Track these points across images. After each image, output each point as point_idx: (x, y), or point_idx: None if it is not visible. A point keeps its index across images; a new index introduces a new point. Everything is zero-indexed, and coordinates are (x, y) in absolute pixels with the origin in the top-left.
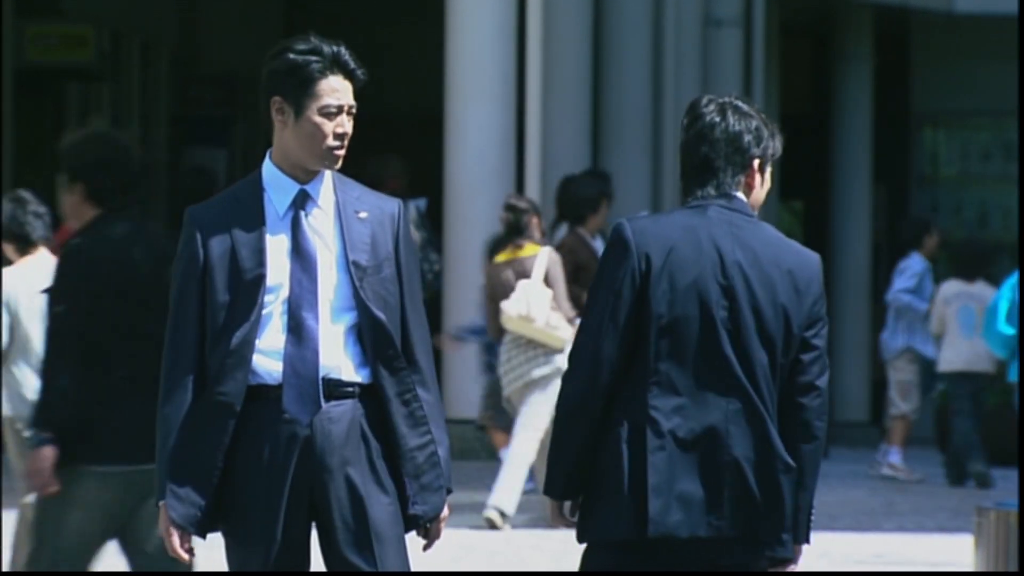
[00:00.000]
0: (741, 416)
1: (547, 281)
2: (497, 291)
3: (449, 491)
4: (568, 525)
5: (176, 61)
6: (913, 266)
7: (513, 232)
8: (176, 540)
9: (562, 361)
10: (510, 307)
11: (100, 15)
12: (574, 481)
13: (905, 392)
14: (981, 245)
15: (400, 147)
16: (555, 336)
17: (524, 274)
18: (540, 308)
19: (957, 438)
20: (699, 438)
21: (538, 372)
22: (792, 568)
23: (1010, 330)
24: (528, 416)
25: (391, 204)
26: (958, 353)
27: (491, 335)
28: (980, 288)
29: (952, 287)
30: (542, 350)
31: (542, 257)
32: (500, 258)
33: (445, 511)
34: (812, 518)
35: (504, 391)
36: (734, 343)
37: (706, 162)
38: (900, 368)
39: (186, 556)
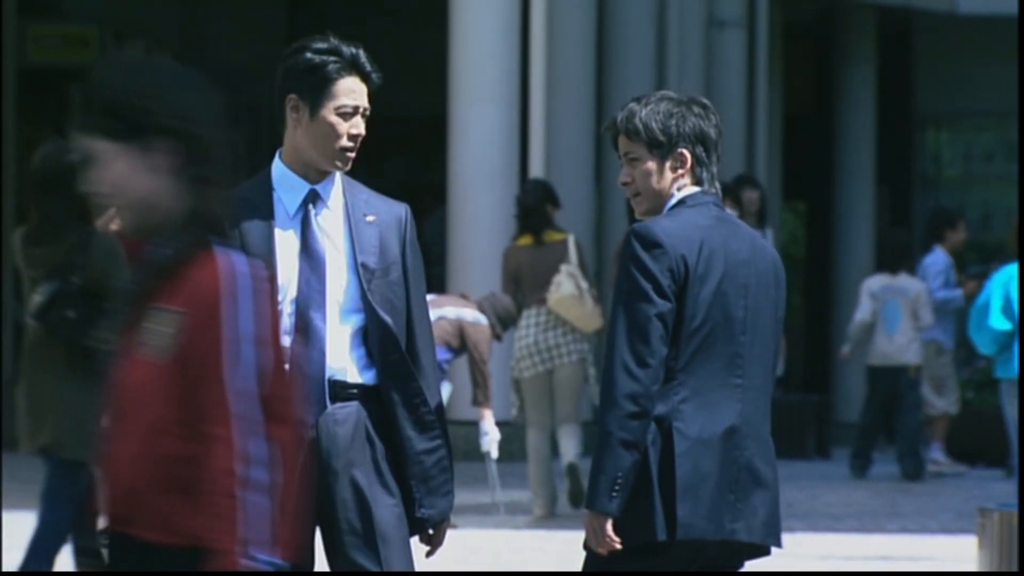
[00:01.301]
0: (753, 417)
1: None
2: (520, 272)
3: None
4: (611, 546)
5: (178, 61)
6: (937, 263)
7: (527, 230)
8: None
9: (586, 352)
10: (566, 286)
11: (102, 15)
12: (624, 490)
13: (940, 387)
14: (902, 238)
15: (404, 147)
16: (596, 321)
17: (548, 258)
18: (590, 292)
19: (864, 429)
20: (720, 440)
21: (566, 359)
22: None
23: (1006, 324)
24: (571, 424)
25: (399, 208)
26: (878, 347)
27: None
28: (903, 281)
29: (877, 281)
30: (564, 340)
31: (571, 243)
32: (522, 241)
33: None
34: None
35: (514, 371)
36: (752, 343)
37: (717, 156)
38: (932, 364)
39: None
